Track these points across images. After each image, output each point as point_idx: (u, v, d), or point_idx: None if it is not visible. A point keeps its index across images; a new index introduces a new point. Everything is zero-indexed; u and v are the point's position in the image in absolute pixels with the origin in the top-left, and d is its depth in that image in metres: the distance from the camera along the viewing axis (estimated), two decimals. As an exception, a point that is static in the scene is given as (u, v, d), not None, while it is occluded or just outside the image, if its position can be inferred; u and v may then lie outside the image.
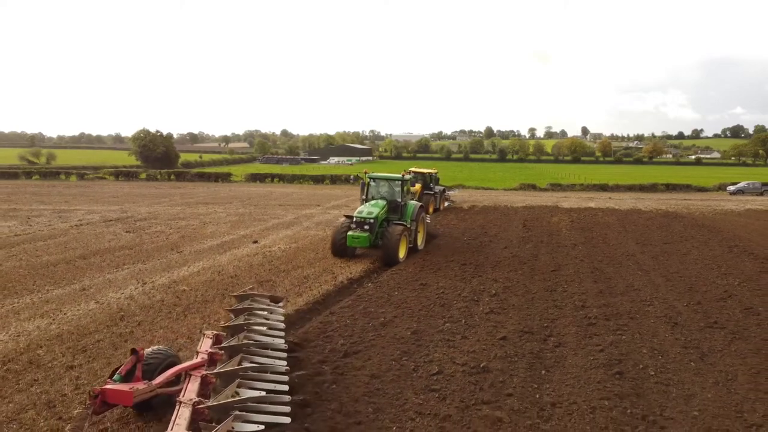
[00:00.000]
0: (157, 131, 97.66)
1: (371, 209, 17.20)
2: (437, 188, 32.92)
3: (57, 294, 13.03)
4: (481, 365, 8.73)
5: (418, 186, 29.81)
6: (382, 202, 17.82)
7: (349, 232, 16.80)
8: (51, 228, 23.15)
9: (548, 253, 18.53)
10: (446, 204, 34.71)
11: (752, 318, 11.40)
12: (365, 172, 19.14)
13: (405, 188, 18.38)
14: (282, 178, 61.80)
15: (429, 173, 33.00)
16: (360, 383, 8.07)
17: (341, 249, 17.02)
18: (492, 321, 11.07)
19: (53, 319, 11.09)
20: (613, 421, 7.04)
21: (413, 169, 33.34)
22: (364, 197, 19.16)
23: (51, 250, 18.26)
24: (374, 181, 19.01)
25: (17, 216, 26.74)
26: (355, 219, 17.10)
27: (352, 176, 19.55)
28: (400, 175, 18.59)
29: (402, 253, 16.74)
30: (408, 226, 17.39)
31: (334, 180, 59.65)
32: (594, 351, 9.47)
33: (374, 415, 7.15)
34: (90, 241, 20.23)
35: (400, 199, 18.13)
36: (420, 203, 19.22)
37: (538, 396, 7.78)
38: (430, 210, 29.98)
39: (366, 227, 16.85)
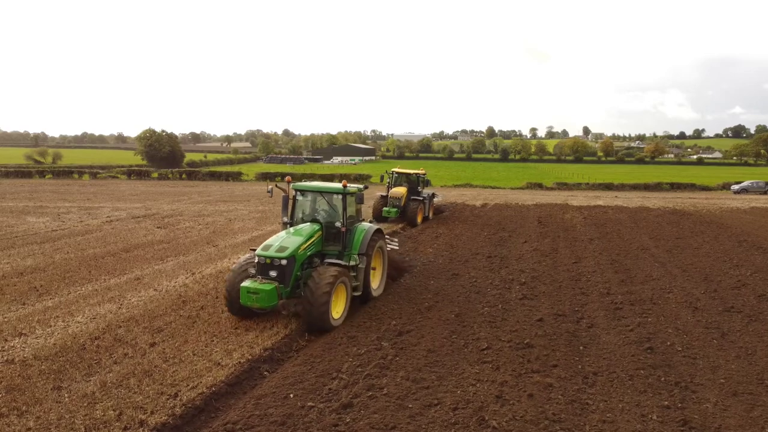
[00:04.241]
0: (163, 131, 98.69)
1: (286, 242, 10.87)
2: (426, 192, 27.02)
3: (115, 282, 13.97)
4: (525, 342, 9.69)
5: (403, 189, 25.57)
6: (311, 228, 11.59)
7: (245, 283, 10.43)
8: (84, 224, 24.06)
9: (567, 246, 19.47)
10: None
11: (766, 303, 12.35)
12: (288, 180, 12.86)
13: (349, 204, 12.28)
14: (291, 177, 62.77)
15: (416, 174, 27.15)
16: (419, 356, 9.02)
17: (239, 306, 10.72)
18: (526, 306, 12.02)
19: (121, 304, 12.03)
20: (650, 386, 8.00)
21: (397, 169, 28.03)
22: (287, 219, 12.51)
23: (92, 244, 19.18)
24: (302, 194, 12.63)
25: (47, 213, 27.65)
26: (257, 259, 10.77)
27: (269, 187, 13.14)
28: (341, 186, 12.21)
29: (338, 312, 10.84)
30: (350, 264, 11.72)
31: (343, 179, 60.65)
32: (624, 331, 10.42)
33: (438, 382, 8.09)
34: (126, 236, 21.15)
35: (341, 222, 11.98)
36: (377, 226, 13.04)
37: (580, 367, 8.72)
38: (418, 219, 25.04)
39: (273, 273, 10.53)
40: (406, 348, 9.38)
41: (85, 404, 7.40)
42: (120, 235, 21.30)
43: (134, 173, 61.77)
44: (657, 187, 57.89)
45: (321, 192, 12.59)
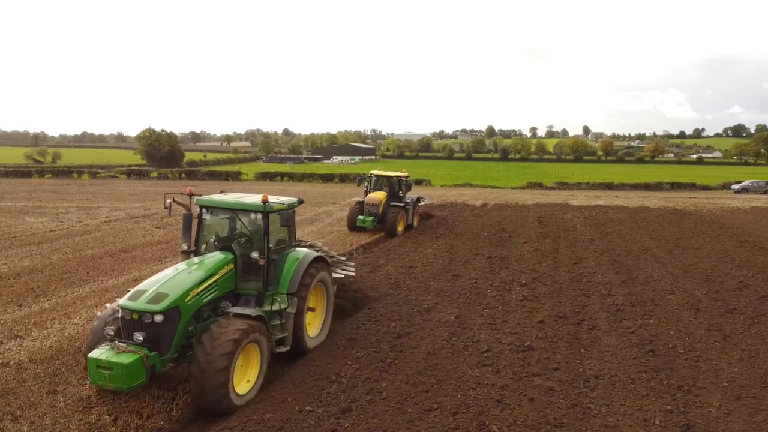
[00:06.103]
0: (163, 130, 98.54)
1: (168, 285, 7.63)
2: (410, 197, 24.03)
3: (113, 283, 13.87)
4: (525, 344, 9.61)
5: (381, 195, 22.79)
6: (219, 260, 8.42)
7: (94, 352, 7.14)
8: (82, 224, 23.95)
9: (567, 247, 19.37)
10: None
11: (768, 305, 12.24)
12: (189, 193, 9.39)
13: (273, 226, 8.96)
14: (291, 177, 62.75)
15: (397, 177, 24.11)
16: (419, 359, 8.93)
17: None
18: (527, 307, 11.93)
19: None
20: (652, 390, 7.91)
21: (376, 171, 25.38)
22: (188, 246, 9.33)
23: (91, 245, 19.08)
24: (209, 213, 9.27)
25: (45, 213, 27.55)
26: (120, 313, 7.44)
27: (166, 202, 9.19)
28: (260, 201, 8.84)
29: (245, 386, 7.68)
30: (268, 312, 8.49)
31: (343, 179, 60.61)
32: (626, 333, 10.33)
33: (438, 386, 7.99)
34: (124, 236, 21.06)
35: (261, 250, 8.74)
36: (318, 253, 10.04)
37: (581, 370, 8.64)
38: (399, 229, 22.18)
39: (140, 337, 7.19)
40: (405, 351, 9.30)
41: (81, 408, 7.32)
42: (118, 235, 21.21)
43: (134, 173, 61.74)
44: (657, 186, 57.88)
45: (233, 209, 9.05)
